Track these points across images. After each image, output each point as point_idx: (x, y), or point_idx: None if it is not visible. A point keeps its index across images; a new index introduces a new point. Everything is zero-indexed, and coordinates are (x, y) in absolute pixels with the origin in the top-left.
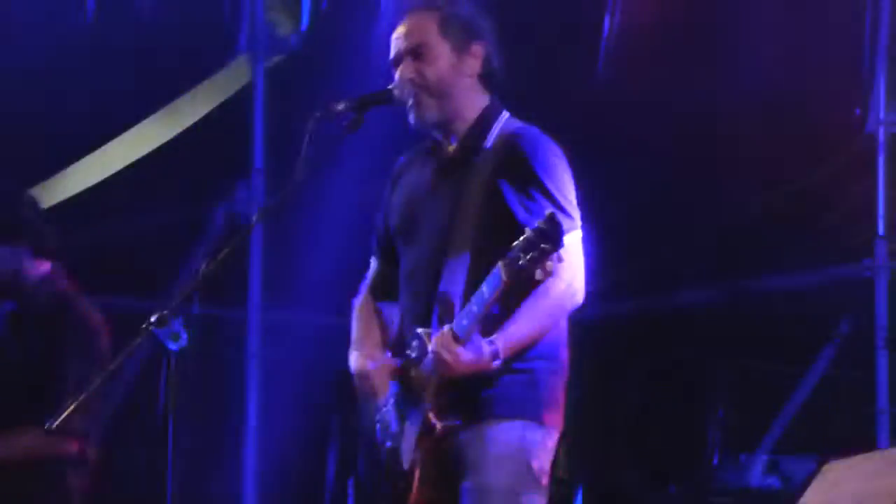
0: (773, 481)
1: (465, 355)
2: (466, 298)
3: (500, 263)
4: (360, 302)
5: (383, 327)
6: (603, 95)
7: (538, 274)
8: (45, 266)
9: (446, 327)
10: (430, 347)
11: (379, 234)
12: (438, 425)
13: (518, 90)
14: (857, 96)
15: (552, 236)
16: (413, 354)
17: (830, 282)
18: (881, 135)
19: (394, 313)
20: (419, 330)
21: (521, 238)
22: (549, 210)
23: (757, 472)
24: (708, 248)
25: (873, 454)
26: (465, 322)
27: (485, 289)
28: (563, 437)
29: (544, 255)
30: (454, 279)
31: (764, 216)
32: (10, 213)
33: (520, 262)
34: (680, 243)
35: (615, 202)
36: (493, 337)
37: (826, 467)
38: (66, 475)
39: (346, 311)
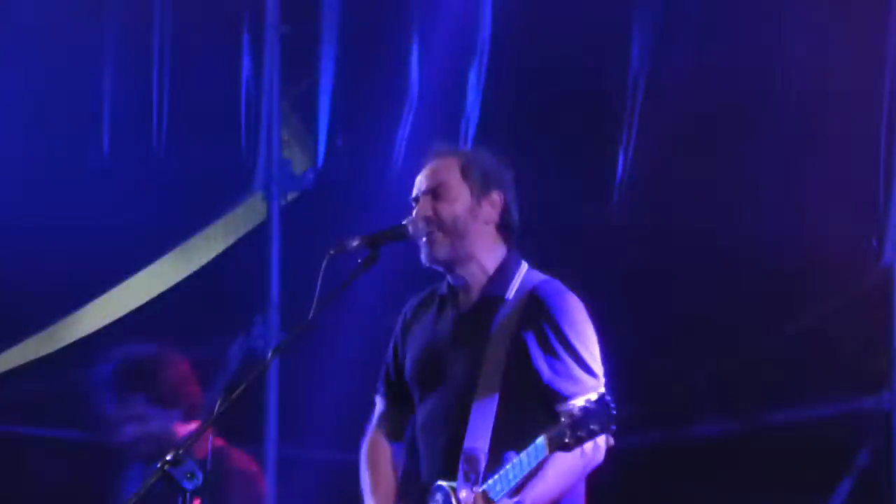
0: None
1: None
2: (492, 455)
3: (544, 438)
4: (368, 444)
5: (393, 470)
6: (618, 223)
7: (584, 451)
8: (192, 427)
9: (479, 489)
10: None
11: (389, 377)
12: None
13: (534, 225)
14: (874, 228)
15: (603, 419)
16: None
17: (849, 414)
18: None
19: (400, 453)
20: (444, 484)
21: (569, 416)
22: (595, 392)
23: None
24: (723, 380)
25: None
26: (499, 488)
27: (524, 459)
28: None
29: (593, 436)
30: (479, 435)
31: (780, 349)
32: (163, 379)
33: (566, 441)
34: (694, 376)
35: (628, 334)
36: (521, 497)
37: None
38: None
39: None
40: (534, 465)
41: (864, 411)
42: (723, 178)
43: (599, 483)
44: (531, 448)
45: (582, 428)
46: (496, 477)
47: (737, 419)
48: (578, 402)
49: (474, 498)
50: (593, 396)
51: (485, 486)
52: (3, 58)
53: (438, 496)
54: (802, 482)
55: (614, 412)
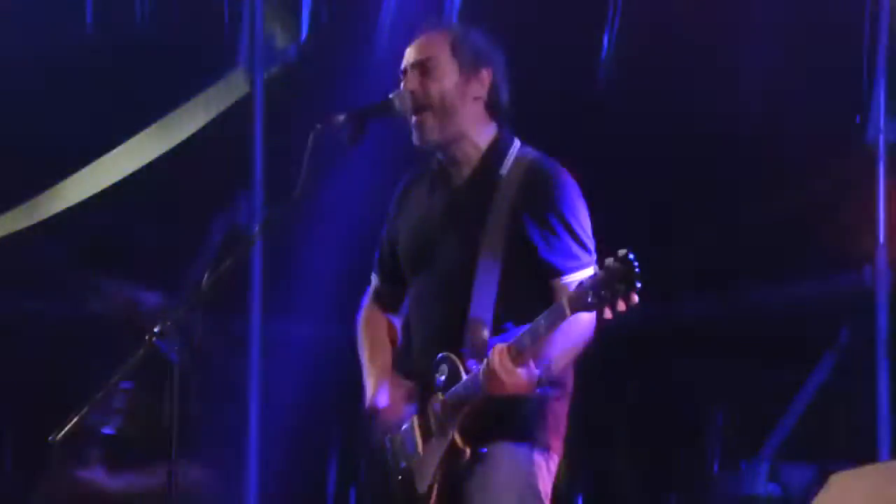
0: (774, 489)
1: (519, 377)
2: (495, 325)
3: (564, 300)
4: (363, 317)
5: (392, 340)
6: (603, 103)
7: (606, 313)
8: None
9: (504, 345)
10: (482, 366)
11: (383, 254)
12: (467, 451)
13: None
14: (858, 104)
15: (628, 277)
16: (441, 378)
17: (831, 291)
18: (881, 144)
19: (396, 324)
20: (449, 354)
21: (591, 275)
22: (622, 251)
23: (758, 480)
24: (708, 257)
25: (881, 465)
26: (521, 346)
27: (542, 322)
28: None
29: (617, 296)
30: (483, 307)
31: (764, 226)
32: None
33: (588, 300)
34: (680, 252)
35: (615, 212)
36: (537, 362)
37: (833, 478)
38: None
39: (346, 321)
40: (552, 327)
41: (847, 287)
42: (710, 53)
43: (583, 359)
44: (551, 310)
45: (607, 287)
46: (517, 338)
47: (720, 295)
48: (574, 276)
49: (501, 354)
50: (589, 271)
51: (512, 342)
52: None
53: (444, 367)
54: (785, 357)
55: (638, 271)
